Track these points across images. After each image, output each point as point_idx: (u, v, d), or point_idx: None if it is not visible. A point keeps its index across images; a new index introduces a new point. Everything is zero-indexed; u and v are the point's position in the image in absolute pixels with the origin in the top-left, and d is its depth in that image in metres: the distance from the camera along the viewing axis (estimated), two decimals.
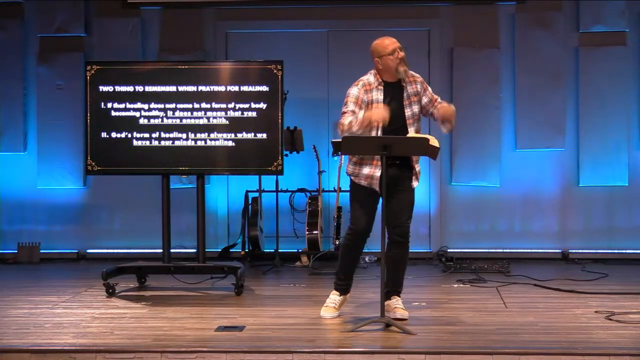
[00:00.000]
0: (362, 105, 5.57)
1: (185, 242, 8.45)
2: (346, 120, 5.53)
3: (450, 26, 8.89)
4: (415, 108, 5.67)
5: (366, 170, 5.63)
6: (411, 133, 5.64)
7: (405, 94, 5.65)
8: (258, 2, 8.93)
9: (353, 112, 5.55)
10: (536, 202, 8.86)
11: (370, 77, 5.66)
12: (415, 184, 5.74)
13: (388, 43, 5.61)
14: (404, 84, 5.65)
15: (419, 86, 5.70)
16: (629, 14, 8.72)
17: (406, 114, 5.64)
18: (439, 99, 5.78)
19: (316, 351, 4.93)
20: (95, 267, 7.87)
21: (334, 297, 5.89)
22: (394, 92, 5.63)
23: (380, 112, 5.47)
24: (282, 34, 8.95)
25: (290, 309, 6.20)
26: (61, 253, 8.99)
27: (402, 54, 5.59)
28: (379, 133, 5.53)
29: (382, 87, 5.62)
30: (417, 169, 5.74)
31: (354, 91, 5.61)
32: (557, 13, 8.78)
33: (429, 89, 5.78)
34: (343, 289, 5.88)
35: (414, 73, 5.72)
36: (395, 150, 5.42)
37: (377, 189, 5.59)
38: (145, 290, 7.07)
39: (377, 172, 5.57)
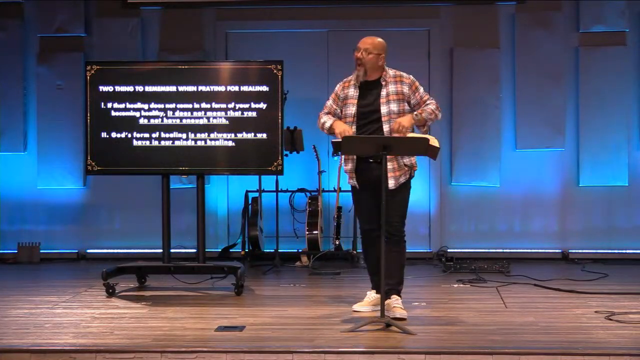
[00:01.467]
0: (338, 100, 5.89)
1: (185, 242, 8.44)
2: (321, 120, 5.93)
3: (450, 26, 8.89)
4: (394, 106, 5.76)
5: (349, 166, 5.85)
6: (386, 129, 5.73)
7: (383, 92, 5.79)
8: (258, 2, 8.93)
9: (328, 112, 5.92)
10: (536, 202, 8.86)
11: (353, 76, 5.90)
12: (401, 180, 5.78)
13: (359, 43, 5.81)
14: (383, 82, 5.80)
15: (405, 87, 5.81)
16: (629, 14, 8.72)
17: (382, 110, 5.76)
18: (428, 101, 5.83)
19: (316, 351, 4.93)
20: (95, 267, 7.87)
21: (370, 292, 6.05)
22: (370, 89, 5.81)
23: (343, 127, 5.75)
24: (282, 34, 8.95)
25: (290, 309, 6.20)
26: (61, 253, 9.00)
27: (360, 54, 5.74)
28: (353, 127, 5.77)
29: (357, 85, 5.83)
30: (401, 165, 5.79)
31: (336, 88, 5.98)
32: (557, 13, 8.78)
33: (420, 90, 5.85)
34: (376, 287, 5.96)
35: (403, 74, 5.86)
36: (395, 150, 5.49)
37: (357, 184, 5.84)
38: (145, 290, 7.07)
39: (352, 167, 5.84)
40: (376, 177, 5.59)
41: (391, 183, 5.72)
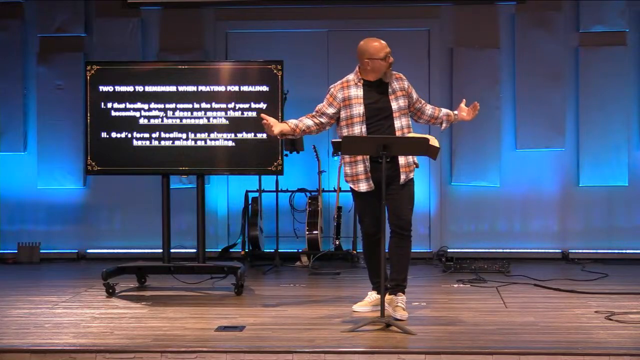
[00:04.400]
0: (334, 102, 5.85)
1: (185, 242, 8.44)
2: (308, 120, 5.93)
3: (450, 26, 8.89)
4: (402, 102, 5.83)
5: (361, 167, 5.78)
6: (397, 125, 5.76)
7: (390, 89, 5.83)
8: (258, 2, 8.92)
9: (313, 114, 5.92)
10: (536, 202, 8.86)
11: (350, 76, 5.91)
12: (410, 175, 5.83)
13: (380, 47, 5.79)
14: (388, 81, 5.84)
15: (405, 83, 5.91)
16: (629, 14, 8.72)
17: (392, 107, 5.79)
18: (423, 101, 6.05)
19: (316, 351, 4.93)
20: (95, 267, 7.87)
21: (371, 293, 6.05)
22: (374, 87, 5.83)
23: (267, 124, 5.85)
24: (282, 34, 8.94)
25: (290, 309, 6.20)
26: (61, 253, 8.99)
27: (392, 59, 5.81)
28: (363, 127, 5.74)
29: (361, 84, 5.83)
30: (409, 162, 5.83)
31: (331, 90, 5.92)
32: (557, 13, 8.78)
33: (413, 89, 6.00)
34: (377, 287, 5.93)
35: (396, 72, 5.93)
36: (395, 150, 5.50)
37: (371, 187, 5.77)
38: (145, 290, 7.07)
39: (365, 169, 5.78)
40: (386, 177, 5.56)
41: (402, 177, 5.77)
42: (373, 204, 5.76)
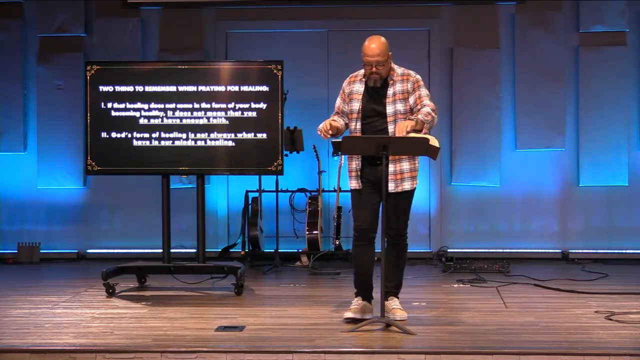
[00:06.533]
0: (345, 96, 5.81)
1: (185, 242, 8.44)
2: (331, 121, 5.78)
3: (450, 26, 8.89)
4: (400, 106, 5.66)
5: (354, 164, 5.74)
6: (391, 129, 5.63)
7: (390, 91, 5.68)
8: (258, 2, 8.93)
9: (336, 112, 5.87)
10: (536, 202, 8.86)
11: (361, 70, 5.78)
12: (405, 186, 5.68)
13: (363, 51, 5.62)
14: (391, 82, 5.69)
15: (409, 85, 5.69)
16: (629, 14, 8.72)
17: (387, 110, 5.67)
18: (425, 101, 5.66)
19: (316, 351, 4.93)
20: (95, 267, 7.87)
21: (355, 300, 5.78)
22: (376, 88, 5.69)
23: (321, 125, 5.70)
24: (282, 34, 8.95)
25: (290, 309, 6.20)
26: (61, 253, 8.99)
27: (374, 69, 5.60)
28: (358, 124, 5.69)
29: (364, 80, 5.74)
30: (397, 171, 5.70)
31: (343, 84, 5.88)
32: (557, 13, 8.78)
33: (421, 90, 5.69)
34: (361, 293, 5.76)
35: (410, 72, 5.76)
36: (395, 150, 5.46)
37: (360, 183, 5.71)
38: (145, 290, 7.07)
39: (355, 167, 5.73)
40: (380, 179, 5.51)
41: (391, 186, 5.61)
42: (367, 198, 5.68)
